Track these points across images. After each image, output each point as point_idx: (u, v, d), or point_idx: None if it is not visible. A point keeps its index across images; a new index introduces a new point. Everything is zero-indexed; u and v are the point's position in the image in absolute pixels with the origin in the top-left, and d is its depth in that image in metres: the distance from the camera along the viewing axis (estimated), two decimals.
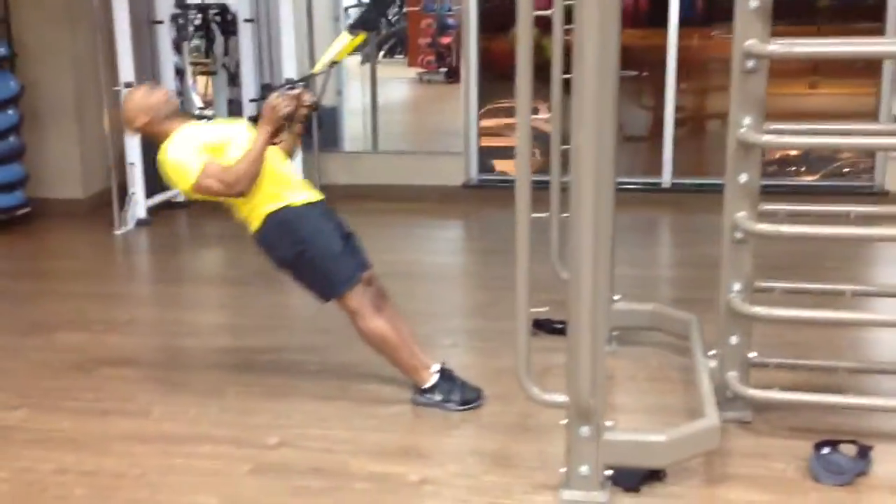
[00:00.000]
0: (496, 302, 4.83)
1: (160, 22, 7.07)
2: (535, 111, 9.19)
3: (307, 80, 3.76)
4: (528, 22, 2.55)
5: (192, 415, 3.61)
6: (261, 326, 4.67)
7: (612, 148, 2.92)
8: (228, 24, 7.37)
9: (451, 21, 15.77)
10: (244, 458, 3.23)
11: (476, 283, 5.56)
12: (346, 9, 7.93)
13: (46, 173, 7.00)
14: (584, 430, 2.82)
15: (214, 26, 7.45)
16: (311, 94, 3.63)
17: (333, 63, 3.72)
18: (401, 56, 13.37)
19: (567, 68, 3.92)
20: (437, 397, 3.57)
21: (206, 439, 3.39)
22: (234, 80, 7.62)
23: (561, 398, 2.85)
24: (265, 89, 7.17)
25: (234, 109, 7.68)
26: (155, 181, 6.44)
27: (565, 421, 2.84)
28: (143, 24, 6.98)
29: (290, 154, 3.74)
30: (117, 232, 6.52)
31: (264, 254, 3.64)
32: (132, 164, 6.60)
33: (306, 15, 7.27)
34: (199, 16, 7.41)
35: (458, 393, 3.57)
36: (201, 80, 8.22)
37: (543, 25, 8.64)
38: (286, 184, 3.61)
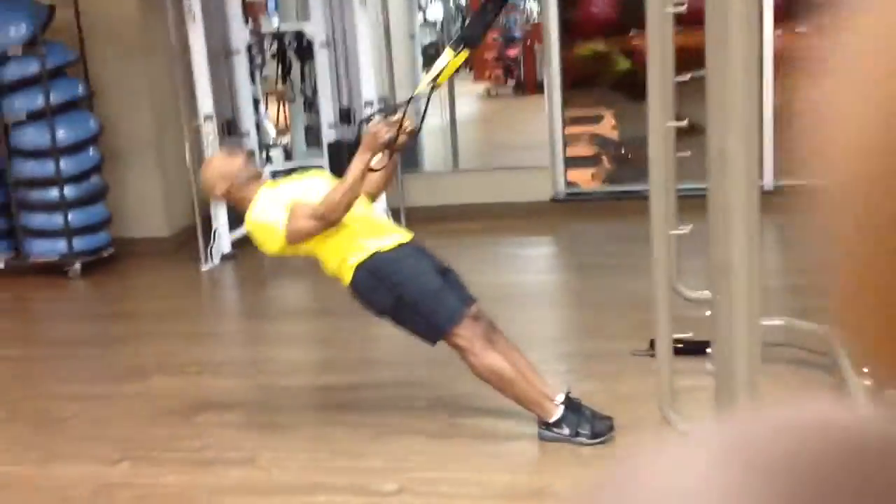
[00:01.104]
0: (604, 321, 4.54)
1: (236, 52, 6.94)
2: (599, 119, 8.97)
3: (408, 104, 3.51)
4: (661, 22, 2.29)
5: (302, 461, 3.40)
6: (361, 360, 4.45)
7: (759, 152, 2.65)
8: (304, 50, 7.21)
9: (516, 33, 15.57)
10: None
11: (578, 302, 5.27)
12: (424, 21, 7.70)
13: (130, 212, 6.90)
14: None
15: (290, 53, 7.30)
16: (411, 119, 3.41)
17: (436, 84, 3.48)
18: (466, 70, 13.16)
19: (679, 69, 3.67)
20: (566, 431, 3.30)
21: (320, 489, 3.17)
22: (311, 106, 7.47)
23: None
24: (343, 113, 7.02)
25: (312, 137, 7.53)
26: (237, 214, 6.33)
27: None
28: (219, 56, 6.85)
29: (384, 186, 3.54)
30: (204, 268, 6.38)
31: (362, 304, 3.46)
32: None
33: (384, 35, 7.08)
34: (275, 43, 7.27)
35: (587, 425, 3.31)
36: (276, 107, 8.10)
37: (612, 37, 8.44)
38: (373, 229, 3.44)
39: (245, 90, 7.00)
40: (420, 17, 7.71)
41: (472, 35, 3.52)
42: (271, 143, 7.47)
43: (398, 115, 3.37)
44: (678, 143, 3.67)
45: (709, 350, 3.81)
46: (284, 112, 7.85)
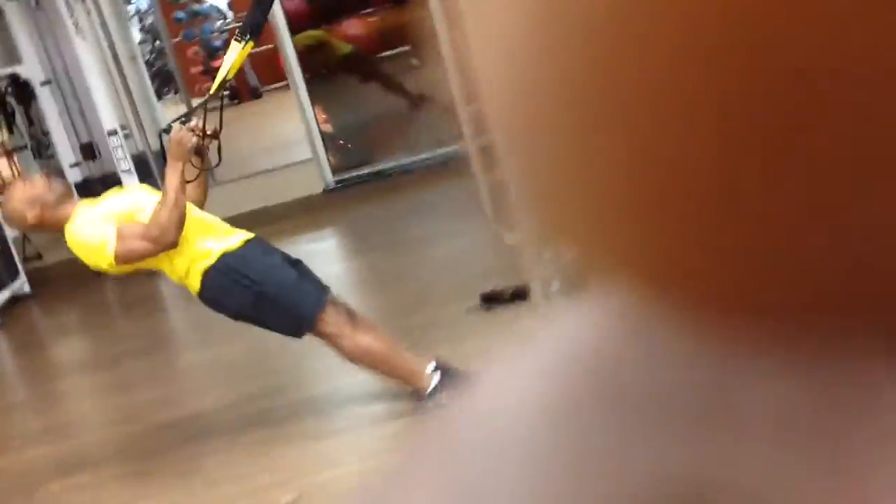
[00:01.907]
0: (424, 292, 4.61)
1: None
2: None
3: (205, 105, 3.39)
4: None
5: (183, 499, 3.21)
6: (198, 389, 4.26)
7: None
8: (24, 93, 6.73)
9: (216, 42, 15.23)
10: None
11: (388, 281, 5.29)
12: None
13: None
14: None
15: (9, 99, 6.79)
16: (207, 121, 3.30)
17: (226, 78, 3.38)
18: (172, 95, 12.71)
19: None
20: (443, 396, 3.31)
21: None
22: (41, 152, 6.99)
23: None
24: (86, 149, 6.64)
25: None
26: None
27: None
28: None
29: (203, 193, 3.42)
30: None
31: (217, 310, 3.33)
32: None
33: (113, 60, 6.73)
34: None
35: (462, 384, 3.32)
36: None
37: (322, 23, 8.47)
38: (213, 231, 3.31)
39: None
40: (137, 30, 7.40)
41: (254, 23, 3.44)
42: None
43: (195, 120, 3.26)
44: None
45: None
46: (14, 166, 7.29)
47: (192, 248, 3.23)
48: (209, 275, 3.23)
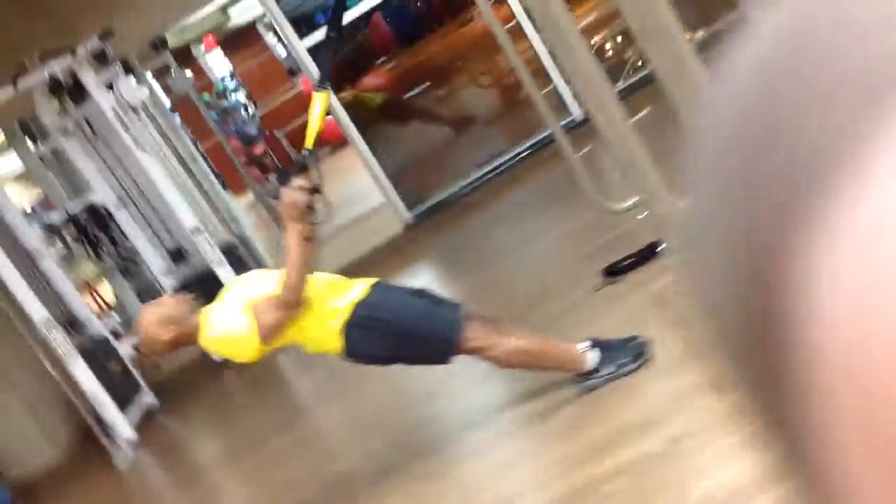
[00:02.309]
0: (542, 286, 4.63)
1: (35, 250, 6.55)
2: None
3: (307, 160, 3.41)
4: None
5: None
6: (347, 442, 4.32)
7: None
8: (102, 219, 6.92)
9: (251, 131, 15.52)
10: None
11: (495, 292, 5.31)
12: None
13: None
14: None
15: (91, 227, 6.97)
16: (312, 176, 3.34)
17: (319, 131, 3.43)
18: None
19: None
20: (609, 369, 3.29)
21: None
22: (133, 267, 7.15)
23: None
24: (174, 254, 6.79)
25: (147, 296, 7.21)
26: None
27: None
28: (22, 258, 6.45)
29: (316, 250, 3.44)
30: (122, 466, 5.93)
31: (365, 362, 3.39)
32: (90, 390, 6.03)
33: (179, 164, 6.91)
34: (71, 225, 6.94)
35: (623, 354, 3.31)
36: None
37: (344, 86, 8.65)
38: (337, 288, 3.36)
39: (64, 282, 6.60)
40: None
41: (328, 71, 3.53)
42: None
43: (302, 177, 3.30)
44: None
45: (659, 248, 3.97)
46: (98, 297, 7.47)
47: (322, 310, 3.26)
48: (348, 331, 3.25)
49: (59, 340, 5.81)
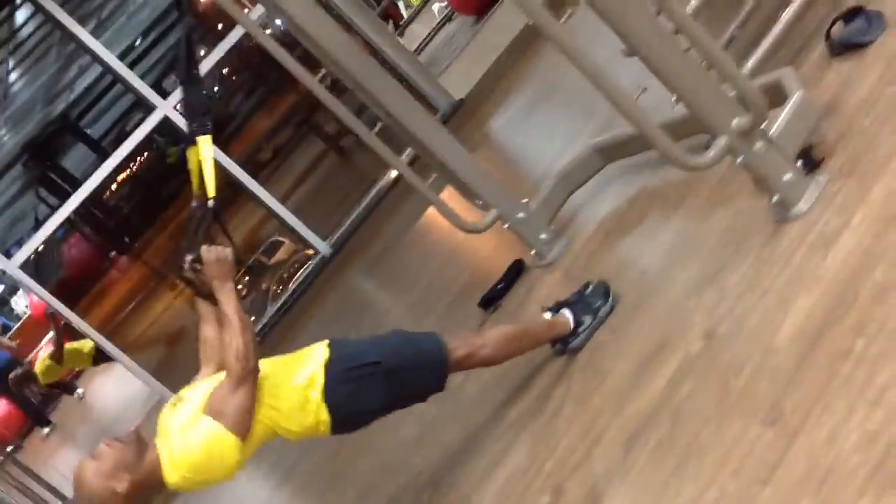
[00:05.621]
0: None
1: None
2: None
3: (210, 214, 3.09)
4: None
5: None
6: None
7: None
8: None
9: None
10: None
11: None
12: None
13: None
14: (758, 146, 2.76)
15: None
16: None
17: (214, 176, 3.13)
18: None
19: None
20: (588, 320, 3.21)
21: None
22: None
23: None
24: None
25: None
26: None
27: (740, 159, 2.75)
28: None
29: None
30: None
31: (360, 423, 3.10)
32: None
33: None
34: None
35: (594, 300, 3.26)
36: None
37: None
38: (292, 364, 3.07)
39: None
40: None
41: (200, 114, 3.22)
42: None
43: (211, 235, 3.03)
44: None
45: None
46: None
47: (291, 391, 2.96)
48: (331, 394, 2.97)
49: None
